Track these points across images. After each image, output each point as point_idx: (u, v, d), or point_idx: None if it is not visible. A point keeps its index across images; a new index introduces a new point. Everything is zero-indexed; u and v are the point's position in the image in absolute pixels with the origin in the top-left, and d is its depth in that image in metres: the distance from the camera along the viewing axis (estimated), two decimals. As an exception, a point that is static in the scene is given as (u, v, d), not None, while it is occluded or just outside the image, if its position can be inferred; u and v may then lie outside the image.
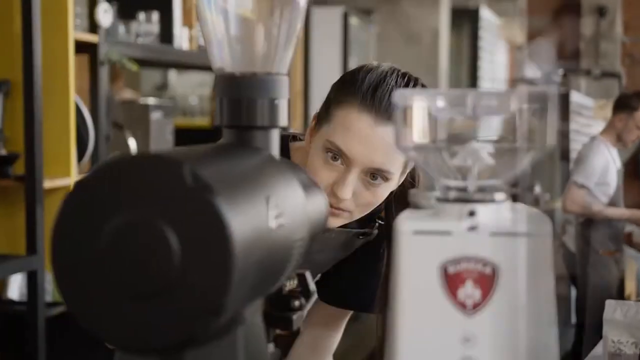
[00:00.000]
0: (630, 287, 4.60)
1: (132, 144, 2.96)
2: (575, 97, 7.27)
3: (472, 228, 0.70)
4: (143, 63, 3.20)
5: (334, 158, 1.24)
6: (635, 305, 1.95)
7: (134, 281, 0.63)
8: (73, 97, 2.54)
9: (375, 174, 1.24)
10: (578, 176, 4.24)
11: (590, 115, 7.99)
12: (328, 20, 4.81)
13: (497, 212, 0.71)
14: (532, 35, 9.90)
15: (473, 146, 0.74)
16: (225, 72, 0.85)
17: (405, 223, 0.71)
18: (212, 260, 0.62)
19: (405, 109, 0.73)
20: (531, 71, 5.44)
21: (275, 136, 0.86)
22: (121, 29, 2.97)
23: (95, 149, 2.70)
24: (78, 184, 0.65)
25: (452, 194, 0.73)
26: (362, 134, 1.22)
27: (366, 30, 5.15)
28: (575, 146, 7.49)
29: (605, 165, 4.25)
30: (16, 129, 2.47)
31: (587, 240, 4.35)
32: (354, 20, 4.93)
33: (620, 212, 4.36)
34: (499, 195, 0.72)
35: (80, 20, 2.66)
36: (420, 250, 0.70)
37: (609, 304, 1.95)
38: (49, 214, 2.45)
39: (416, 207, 0.79)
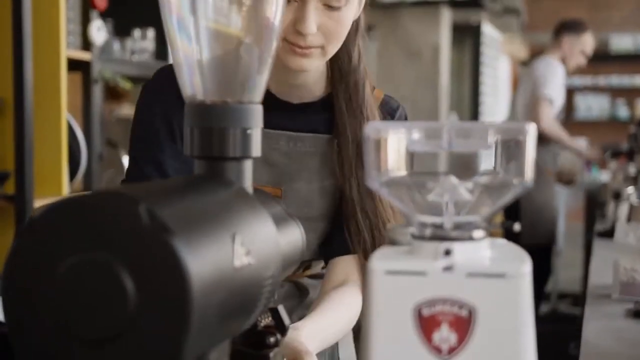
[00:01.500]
0: None
1: (126, 162, 2.93)
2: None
3: (448, 268, 0.66)
4: (138, 80, 3.17)
5: (288, 1, 1.19)
6: None
7: (85, 325, 0.60)
8: (65, 115, 2.51)
9: None
10: (547, 90, 4.25)
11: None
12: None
13: (475, 251, 0.68)
14: (534, 50, 9.90)
15: (450, 181, 0.70)
16: (196, 100, 0.82)
17: (378, 262, 0.68)
18: (169, 304, 0.59)
19: (379, 141, 0.70)
20: None
21: (248, 167, 0.83)
22: (116, 45, 2.95)
23: (88, 168, 2.67)
24: (32, 220, 0.62)
25: (428, 231, 0.69)
26: None
27: (366, 46, 5.13)
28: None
29: (562, 83, 4.35)
30: (7, 147, 2.45)
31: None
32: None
33: (579, 145, 4.56)
34: (477, 233, 0.69)
35: (74, 37, 2.64)
36: (393, 291, 0.67)
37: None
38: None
39: (392, 243, 0.75)
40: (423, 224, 0.70)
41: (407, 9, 5.25)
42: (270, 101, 1.29)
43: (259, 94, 0.84)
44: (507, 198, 0.69)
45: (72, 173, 2.60)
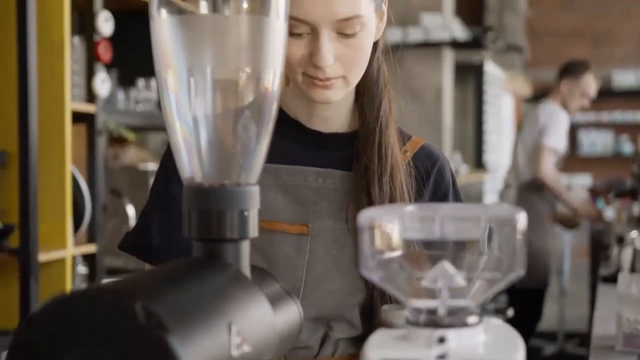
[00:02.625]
0: None
1: (131, 211, 2.95)
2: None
3: (442, 356, 0.67)
4: (142, 129, 3.20)
5: (299, 35, 1.14)
6: None
7: None
8: (69, 168, 2.53)
9: (346, 26, 1.13)
10: (549, 139, 4.24)
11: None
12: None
13: (469, 337, 0.69)
14: (537, 87, 9.96)
15: (443, 267, 0.71)
16: (194, 182, 0.84)
17: (374, 350, 0.68)
18: (166, 401, 0.60)
19: (373, 228, 0.71)
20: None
21: (245, 248, 0.84)
22: (120, 95, 2.98)
23: (92, 219, 2.69)
24: (30, 317, 0.63)
25: (422, 318, 0.70)
26: None
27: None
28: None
29: (566, 129, 4.36)
30: (12, 200, 2.46)
31: (530, 203, 4.31)
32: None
33: (574, 201, 4.49)
34: (471, 319, 0.69)
35: (79, 89, 2.67)
36: (388, 379, 0.67)
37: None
38: (43, 287, 2.43)
39: (388, 325, 0.76)
40: (417, 309, 0.71)
41: (410, 50, 5.29)
42: (299, 132, 1.27)
43: (255, 175, 0.85)
44: (501, 285, 0.70)
45: (76, 225, 2.61)
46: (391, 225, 0.70)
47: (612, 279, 2.78)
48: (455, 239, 0.70)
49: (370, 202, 1.18)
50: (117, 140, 3.44)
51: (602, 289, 2.83)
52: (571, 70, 4.39)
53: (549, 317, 6.50)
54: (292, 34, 1.14)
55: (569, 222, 4.87)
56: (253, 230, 0.83)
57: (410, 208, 0.73)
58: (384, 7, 1.22)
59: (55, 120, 2.51)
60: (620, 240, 3.30)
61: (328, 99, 1.18)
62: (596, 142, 10.16)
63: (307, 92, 1.18)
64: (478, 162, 7.35)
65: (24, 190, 2.39)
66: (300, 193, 1.23)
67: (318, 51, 1.12)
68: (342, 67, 1.15)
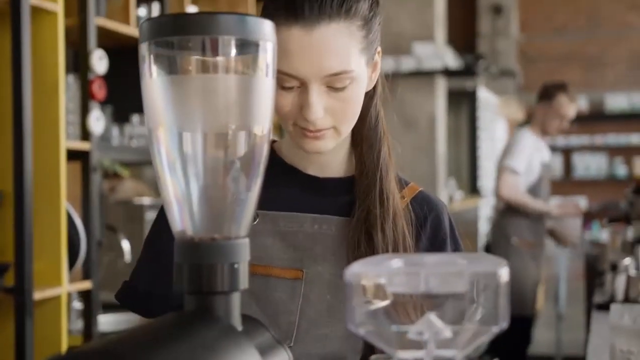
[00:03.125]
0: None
1: (126, 246, 2.96)
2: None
3: (429, 409, 0.68)
4: (137, 165, 3.22)
5: (290, 88, 1.14)
6: None
7: None
8: (64, 206, 2.54)
9: (335, 81, 1.13)
10: (510, 160, 4.30)
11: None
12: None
13: (456, 389, 0.70)
14: (530, 111, 10.02)
15: (429, 319, 0.73)
16: (186, 236, 0.85)
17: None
18: None
19: (359, 283, 0.72)
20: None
21: (236, 299, 0.85)
22: (115, 131, 3.00)
23: (87, 256, 2.70)
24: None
25: (409, 370, 0.72)
26: (298, 47, 1.11)
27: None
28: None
29: (530, 153, 4.34)
30: (7, 238, 2.48)
31: (503, 229, 4.35)
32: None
33: (542, 205, 4.40)
34: (457, 370, 0.71)
35: (73, 128, 2.69)
36: None
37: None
38: (39, 325, 2.43)
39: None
40: (404, 362, 0.72)
41: (403, 79, 5.34)
42: (296, 178, 1.28)
43: (245, 228, 0.87)
44: (486, 337, 0.72)
45: (72, 262, 2.62)
46: (378, 281, 0.72)
47: (606, 307, 2.79)
48: (440, 292, 0.72)
49: (372, 248, 1.19)
50: (113, 173, 3.46)
51: (596, 317, 2.84)
52: (545, 93, 4.44)
53: (546, 342, 6.50)
54: (282, 87, 1.15)
55: (565, 241, 4.89)
56: (243, 282, 0.84)
57: (396, 262, 0.74)
58: (377, 58, 1.23)
59: (50, 158, 2.52)
60: (614, 268, 3.31)
61: (319, 149, 1.19)
62: (590, 165, 10.21)
63: (298, 142, 1.20)
64: (472, 188, 7.38)
65: (19, 229, 2.41)
66: (296, 238, 1.24)
67: (307, 105, 1.13)
68: (332, 118, 1.16)
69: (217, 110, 0.84)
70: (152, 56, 0.82)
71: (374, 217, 1.22)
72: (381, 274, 0.72)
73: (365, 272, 0.73)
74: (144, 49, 0.82)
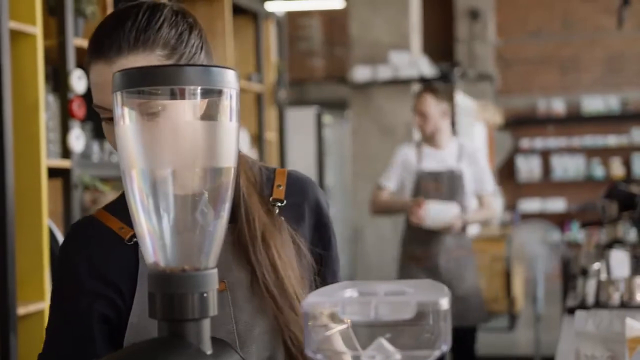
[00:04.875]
0: None
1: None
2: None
3: None
4: (116, 180, 3.28)
5: (109, 119, 1.19)
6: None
7: None
8: (46, 222, 2.60)
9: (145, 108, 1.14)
10: (379, 179, 4.22)
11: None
12: (302, 120, 4.93)
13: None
14: (509, 114, 10.16)
15: (380, 342, 0.81)
16: (158, 268, 0.92)
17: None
18: None
19: (315, 313, 0.80)
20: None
21: (206, 326, 0.92)
22: (95, 148, 3.06)
23: (69, 270, 2.75)
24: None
25: (361, 392, 0.79)
26: (101, 80, 1.19)
27: (340, 125, 5.29)
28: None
29: (401, 164, 4.21)
30: (-10, 256, 2.53)
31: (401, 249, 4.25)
32: (327, 118, 5.05)
33: (396, 200, 4.18)
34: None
35: (54, 146, 2.75)
36: None
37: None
38: (23, 340, 2.49)
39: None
40: (357, 383, 0.80)
41: (380, 87, 5.42)
42: None
43: (213, 259, 0.94)
44: (432, 357, 0.79)
45: (54, 278, 2.68)
46: (332, 309, 0.79)
47: (575, 311, 2.86)
48: (389, 319, 0.80)
49: (253, 268, 1.26)
50: (92, 189, 3.51)
51: (567, 321, 2.91)
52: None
53: (525, 342, 6.61)
54: (103, 119, 1.21)
55: (417, 260, 4.32)
56: (213, 309, 0.92)
57: (349, 293, 0.82)
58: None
59: (31, 176, 2.58)
60: (584, 272, 3.39)
61: None
62: (568, 166, 10.34)
63: None
64: (452, 192, 7.46)
65: (1, 245, 2.46)
66: None
67: None
68: None
69: (185, 152, 0.91)
70: (124, 105, 0.89)
71: (246, 240, 1.27)
72: (335, 305, 0.79)
73: (320, 302, 0.80)
74: (117, 98, 0.89)
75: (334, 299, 0.80)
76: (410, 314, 0.78)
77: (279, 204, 1.31)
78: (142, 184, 0.92)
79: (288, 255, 1.28)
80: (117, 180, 3.27)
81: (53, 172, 2.73)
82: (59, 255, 1.32)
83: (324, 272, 1.35)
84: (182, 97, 0.89)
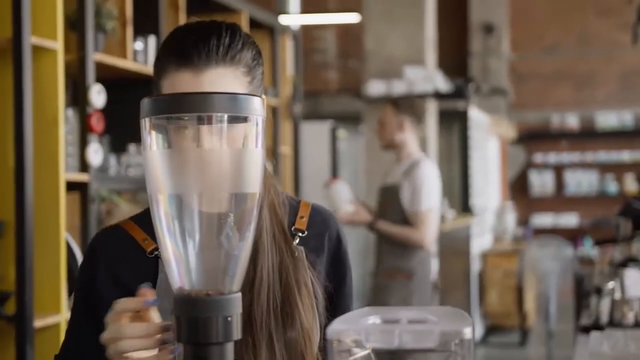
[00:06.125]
0: None
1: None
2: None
3: None
4: (134, 193, 3.31)
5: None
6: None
7: None
8: (64, 235, 2.63)
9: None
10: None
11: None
12: (317, 134, 4.94)
13: None
14: (522, 128, 10.14)
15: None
16: (184, 291, 0.94)
17: None
18: None
19: (339, 340, 0.81)
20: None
21: (230, 349, 0.93)
22: (112, 161, 3.08)
23: (85, 283, 2.78)
24: None
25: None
26: (187, 89, 1.19)
27: (355, 140, 5.29)
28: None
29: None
30: (9, 268, 2.56)
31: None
32: (342, 133, 5.06)
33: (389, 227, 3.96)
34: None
35: (72, 159, 2.77)
36: None
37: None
38: (39, 352, 2.51)
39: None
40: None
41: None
42: None
43: (238, 283, 0.95)
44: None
45: (71, 290, 2.70)
46: (356, 338, 0.80)
47: (590, 330, 2.85)
48: (412, 347, 0.81)
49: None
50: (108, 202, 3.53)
51: (581, 340, 2.90)
52: None
53: (536, 358, 6.58)
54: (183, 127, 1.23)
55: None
56: (237, 333, 0.93)
57: (372, 320, 0.83)
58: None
59: (50, 189, 2.61)
60: (599, 291, 3.38)
61: None
62: (582, 182, 10.30)
63: None
64: (465, 206, 7.46)
65: (20, 258, 2.49)
66: None
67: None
68: None
69: (211, 179, 0.93)
70: (152, 130, 0.91)
71: (263, 252, 1.26)
72: (359, 333, 0.80)
73: (344, 329, 0.81)
74: (145, 124, 0.91)
75: (357, 326, 0.81)
76: (434, 343, 0.79)
77: (300, 234, 1.32)
78: (168, 207, 0.94)
79: (300, 282, 1.28)
80: (133, 193, 3.29)
81: (71, 186, 2.75)
82: (82, 260, 1.34)
83: (334, 306, 1.33)
84: (210, 123, 0.91)
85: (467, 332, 0.78)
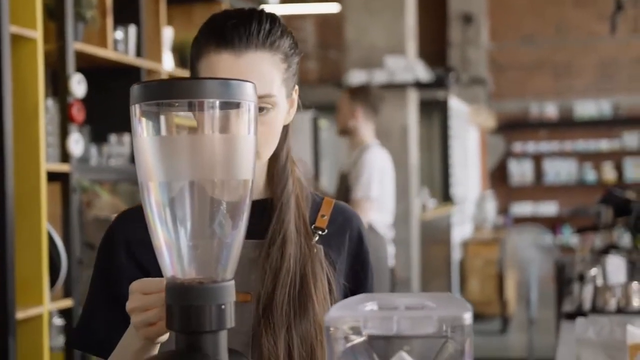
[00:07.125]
0: None
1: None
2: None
3: None
4: (115, 183, 3.28)
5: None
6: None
7: None
8: (45, 226, 2.60)
9: (260, 102, 1.17)
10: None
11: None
12: (298, 124, 4.92)
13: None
14: (501, 118, 10.18)
15: (402, 355, 0.81)
16: (176, 280, 0.92)
17: None
18: None
19: (337, 327, 0.80)
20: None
21: (223, 337, 0.92)
22: (93, 151, 3.05)
23: (68, 274, 2.75)
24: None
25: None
26: (227, 69, 1.20)
27: (335, 129, 5.28)
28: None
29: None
30: (-11, 260, 2.52)
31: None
32: (323, 123, 5.04)
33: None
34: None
35: (53, 150, 2.74)
36: None
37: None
38: (21, 344, 2.48)
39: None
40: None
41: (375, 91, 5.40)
42: None
43: (231, 271, 0.94)
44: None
45: (53, 281, 2.67)
46: (353, 325, 0.80)
47: (574, 316, 2.86)
48: (411, 334, 0.80)
49: (264, 270, 1.25)
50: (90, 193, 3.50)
51: (565, 326, 2.91)
52: None
53: (519, 346, 6.63)
54: None
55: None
56: (230, 321, 0.92)
57: (370, 307, 0.82)
58: (295, 95, 1.32)
59: (31, 180, 2.58)
60: (581, 278, 3.40)
61: None
62: (560, 171, 10.36)
63: None
64: (445, 196, 7.48)
65: (1, 249, 2.46)
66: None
67: None
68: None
69: (202, 165, 0.91)
70: (142, 117, 0.89)
71: (266, 240, 1.27)
72: (357, 319, 0.80)
73: (342, 316, 0.80)
74: (135, 110, 0.89)
75: (355, 313, 0.80)
76: (432, 329, 0.79)
77: (320, 232, 1.32)
78: (159, 195, 0.92)
79: (317, 277, 1.27)
80: (114, 184, 3.27)
81: (52, 176, 2.72)
82: (101, 240, 1.34)
83: None
84: (201, 109, 0.90)
85: (467, 318, 0.78)
